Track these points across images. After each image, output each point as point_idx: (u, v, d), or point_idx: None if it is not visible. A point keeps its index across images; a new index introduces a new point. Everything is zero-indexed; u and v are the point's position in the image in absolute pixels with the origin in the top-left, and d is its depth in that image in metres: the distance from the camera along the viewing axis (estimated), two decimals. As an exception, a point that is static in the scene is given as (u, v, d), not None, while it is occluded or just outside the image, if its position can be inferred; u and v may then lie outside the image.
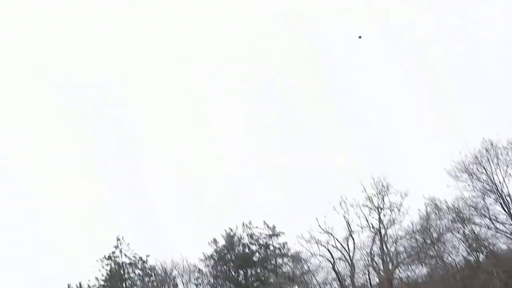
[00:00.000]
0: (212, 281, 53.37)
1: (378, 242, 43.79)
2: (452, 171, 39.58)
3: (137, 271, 59.92)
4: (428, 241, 41.34)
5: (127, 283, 59.34)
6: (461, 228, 40.20)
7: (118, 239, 60.74)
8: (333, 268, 44.97)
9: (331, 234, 45.56)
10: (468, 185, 39.24)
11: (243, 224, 52.90)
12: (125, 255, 60.13)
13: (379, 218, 44.11)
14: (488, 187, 38.57)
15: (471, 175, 39.05)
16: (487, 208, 38.68)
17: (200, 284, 53.94)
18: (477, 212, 38.99)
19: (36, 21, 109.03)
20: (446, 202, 40.13)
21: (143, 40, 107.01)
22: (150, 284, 58.10)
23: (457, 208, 39.55)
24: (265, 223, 52.46)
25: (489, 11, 76.46)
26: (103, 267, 60.27)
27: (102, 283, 60.31)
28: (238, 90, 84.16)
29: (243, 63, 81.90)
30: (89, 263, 62.04)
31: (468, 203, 39.36)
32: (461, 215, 39.58)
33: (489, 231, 39.05)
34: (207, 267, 53.64)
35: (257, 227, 52.62)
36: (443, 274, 41.46)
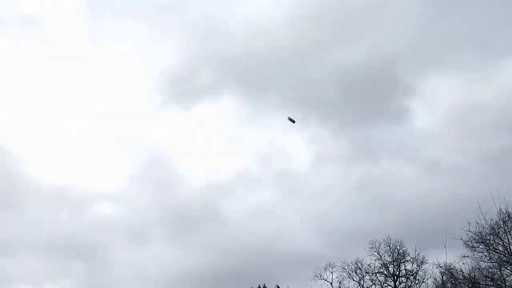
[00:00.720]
0: None
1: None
2: (469, 241, 39.97)
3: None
4: (445, 311, 41.18)
5: None
6: (477, 299, 40.06)
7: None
8: None
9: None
10: (485, 255, 39.49)
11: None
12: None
13: (395, 285, 44.37)
14: (504, 258, 38.85)
15: (488, 246, 39.43)
16: (504, 279, 38.76)
17: None
18: (493, 283, 39.02)
19: None
20: (462, 272, 40.27)
21: None
22: None
23: (473, 278, 39.62)
24: (278, 287, 52.62)
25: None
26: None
27: None
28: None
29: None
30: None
31: (484, 273, 39.46)
32: (477, 285, 39.60)
33: (506, 303, 38.87)
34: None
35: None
36: None
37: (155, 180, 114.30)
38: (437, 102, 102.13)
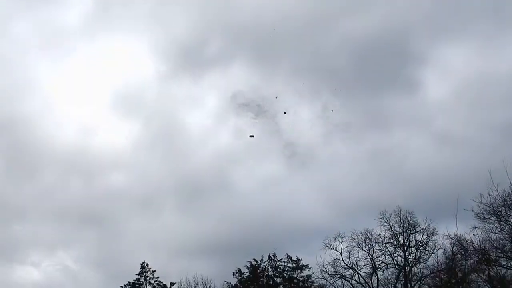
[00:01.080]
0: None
1: (402, 279, 44.16)
2: (480, 213, 39.84)
3: (161, 300, 60.72)
4: (453, 281, 41.46)
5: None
6: (486, 269, 40.28)
7: (142, 266, 61.80)
8: (357, 305, 45.26)
9: (355, 270, 46.14)
10: (496, 227, 39.44)
11: (268, 257, 53.53)
12: (150, 282, 61.09)
13: (404, 256, 44.62)
14: (515, 230, 38.79)
15: (500, 217, 39.36)
16: (514, 252, 38.82)
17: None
18: (503, 254, 39.10)
19: None
20: (473, 243, 40.32)
21: None
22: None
23: (484, 250, 39.72)
24: (288, 256, 53.03)
25: None
26: (127, 295, 61.34)
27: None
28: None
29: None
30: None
31: (495, 245, 39.49)
32: (487, 257, 39.73)
33: (514, 273, 39.03)
34: (230, 296, 54.19)
35: (281, 260, 53.13)
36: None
37: (167, 149, 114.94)
38: (450, 73, 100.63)
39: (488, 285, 40.38)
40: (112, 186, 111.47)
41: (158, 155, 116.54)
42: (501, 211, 38.95)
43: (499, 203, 38.78)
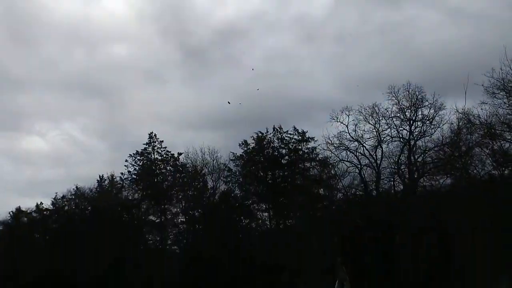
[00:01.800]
0: (241, 180, 55.57)
1: (406, 152, 44.86)
2: (490, 87, 39.44)
3: (168, 168, 62.59)
4: (456, 154, 42.08)
5: (158, 178, 62.15)
6: (490, 143, 40.67)
7: (150, 137, 62.96)
8: (360, 174, 46.33)
9: (360, 142, 46.78)
10: (504, 102, 39.14)
11: (273, 129, 54.13)
12: (158, 152, 62.58)
13: (410, 129, 44.90)
14: (524, 105, 38.53)
15: (509, 92, 38.99)
16: (520, 126, 38.93)
17: (229, 182, 56.31)
18: (509, 128, 39.28)
19: None
20: (480, 117, 40.34)
21: None
22: (180, 180, 60.79)
23: (490, 124, 39.83)
24: (295, 128, 53.55)
25: None
26: (136, 163, 63.05)
27: (134, 176, 63.34)
28: None
29: None
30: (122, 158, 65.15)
31: (502, 119, 39.51)
32: (493, 131, 39.94)
33: (517, 148, 39.43)
34: (236, 167, 55.65)
35: (287, 132, 53.77)
36: (466, 186, 42.73)
37: (171, 22, 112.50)
38: None
39: (490, 158, 40.96)
40: (116, 57, 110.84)
41: (163, 26, 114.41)
42: (511, 86, 38.57)
43: (510, 78, 38.29)
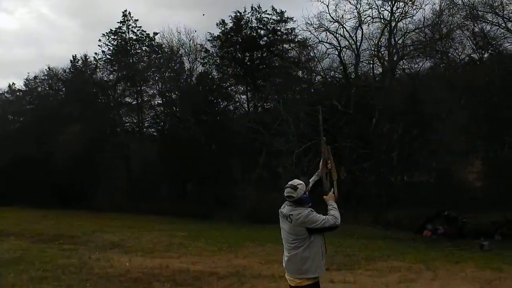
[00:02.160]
0: (218, 61, 54.59)
1: (386, 34, 44.10)
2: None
3: (144, 48, 60.94)
4: (437, 36, 41.58)
5: (133, 59, 60.64)
6: (471, 25, 40.14)
7: (124, 15, 60.47)
8: (339, 56, 45.71)
9: (341, 23, 45.64)
10: (489, -15, 38.11)
11: (252, 8, 52.27)
12: (132, 31, 60.49)
13: (391, 10, 43.77)
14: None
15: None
16: (503, 7, 38.25)
17: (206, 64, 55.26)
18: (491, 10, 38.56)
19: None
20: (462, -2, 39.30)
21: None
22: (156, 61, 59.44)
23: (472, 5, 39.01)
24: (273, 8, 51.86)
25: None
26: (110, 42, 61.06)
27: (108, 57, 61.68)
28: None
29: None
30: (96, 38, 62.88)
31: (485, 0, 38.69)
32: (475, 12, 39.21)
33: (498, 31, 38.99)
34: (213, 47, 54.39)
35: (266, 12, 52.08)
36: (445, 69, 42.80)
37: None
38: None
39: (471, 41, 40.70)
40: None
41: None
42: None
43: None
